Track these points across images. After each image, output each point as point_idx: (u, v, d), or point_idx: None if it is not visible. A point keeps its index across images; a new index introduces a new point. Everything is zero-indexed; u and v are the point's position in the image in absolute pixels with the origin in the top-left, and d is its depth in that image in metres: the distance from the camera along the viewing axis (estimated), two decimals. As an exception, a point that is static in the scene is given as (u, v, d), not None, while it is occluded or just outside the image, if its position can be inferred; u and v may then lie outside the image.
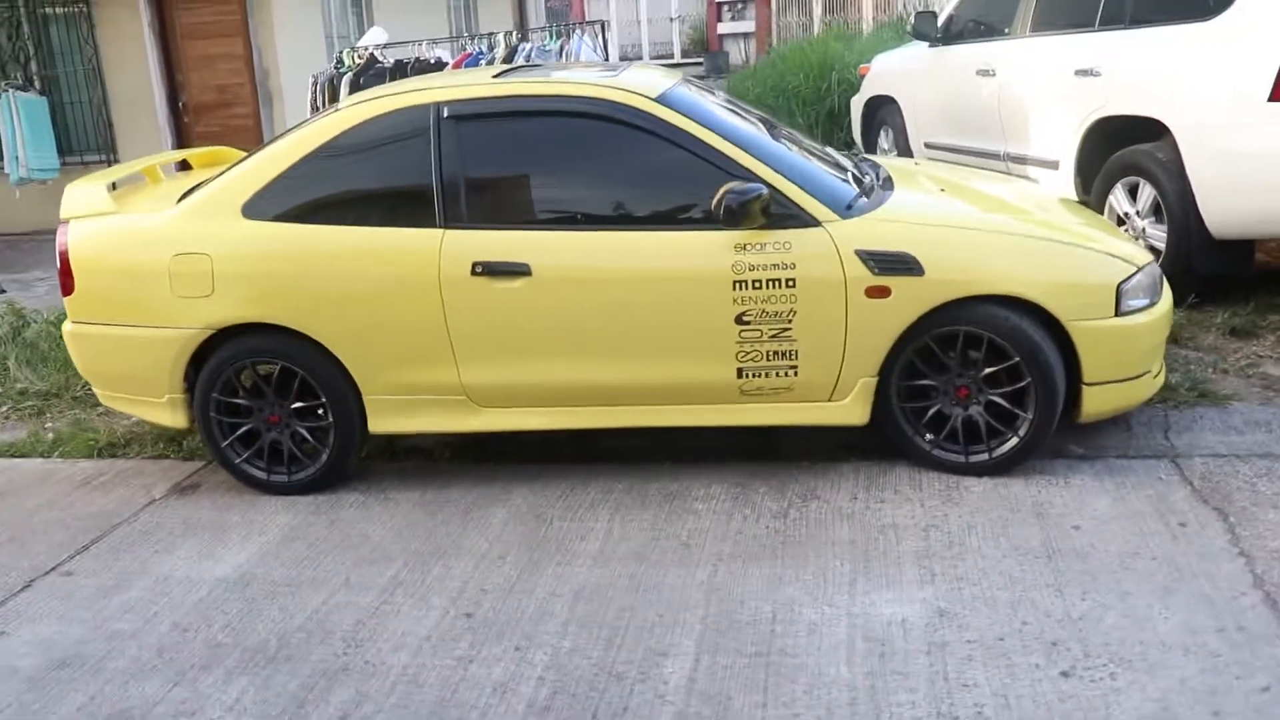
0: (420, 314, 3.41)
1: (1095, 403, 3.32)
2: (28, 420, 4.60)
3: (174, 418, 3.68)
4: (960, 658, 2.47)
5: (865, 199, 3.43)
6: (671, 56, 22.52)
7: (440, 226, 3.40)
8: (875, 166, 3.93)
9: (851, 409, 3.35)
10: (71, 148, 9.01)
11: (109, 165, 8.30)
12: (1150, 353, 3.39)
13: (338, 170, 3.53)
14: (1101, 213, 4.92)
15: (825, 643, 2.57)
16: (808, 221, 3.24)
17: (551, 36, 6.91)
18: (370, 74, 6.55)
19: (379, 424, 3.58)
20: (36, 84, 9.02)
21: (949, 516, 3.14)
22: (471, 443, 3.93)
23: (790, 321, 3.25)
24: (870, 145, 7.54)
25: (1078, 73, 5.03)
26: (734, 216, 3.16)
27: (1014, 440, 3.31)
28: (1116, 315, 3.24)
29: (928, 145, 6.59)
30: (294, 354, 3.52)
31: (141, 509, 3.65)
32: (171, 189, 3.90)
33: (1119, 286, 3.24)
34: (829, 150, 4.09)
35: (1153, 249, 4.68)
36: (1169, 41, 4.55)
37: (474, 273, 3.35)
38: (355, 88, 6.42)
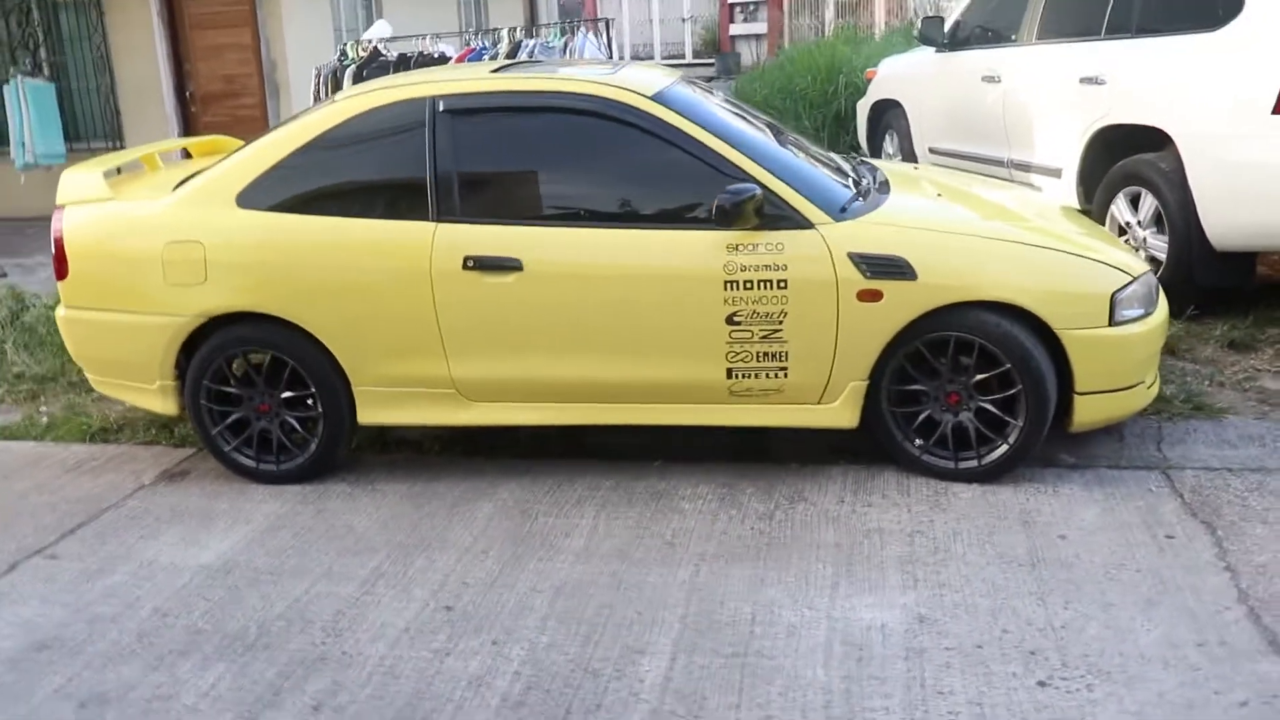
0: (411, 307, 3.41)
1: (1087, 412, 3.30)
2: (23, 404, 4.62)
3: (164, 404, 3.69)
4: (938, 664, 2.46)
5: (860, 202, 3.42)
6: (683, 57, 22.48)
7: (433, 220, 3.40)
8: (873, 170, 3.92)
9: (841, 412, 3.34)
10: (79, 134, 9.04)
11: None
12: (1144, 363, 3.37)
13: (332, 162, 3.54)
14: (1103, 222, 4.90)
15: (803, 645, 2.56)
16: (801, 223, 3.24)
17: (557, 33, 6.91)
18: (373, 67, 6.56)
19: (368, 415, 3.59)
20: (45, 70, 9.06)
21: (935, 522, 3.13)
22: (461, 436, 3.93)
23: (781, 323, 3.24)
24: (875, 149, 7.52)
25: (1082, 81, 5.01)
26: (727, 216, 3.15)
27: (1004, 448, 3.30)
28: (1110, 325, 3.23)
29: (932, 150, 6.58)
30: (284, 344, 3.53)
31: (130, 494, 3.66)
32: (168, 177, 3.91)
33: (1113, 296, 3.22)
34: (827, 153, 4.09)
35: (1153, 259, 4.67)
36: (1174, 51, 4.53)
37: (466, 267, 3.35)
38: (358, 80, 6.42)
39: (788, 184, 3.27)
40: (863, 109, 7.64)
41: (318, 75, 6.97)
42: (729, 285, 3.23)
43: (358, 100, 3.57)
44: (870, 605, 2.71)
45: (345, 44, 7.20)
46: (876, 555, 2.96)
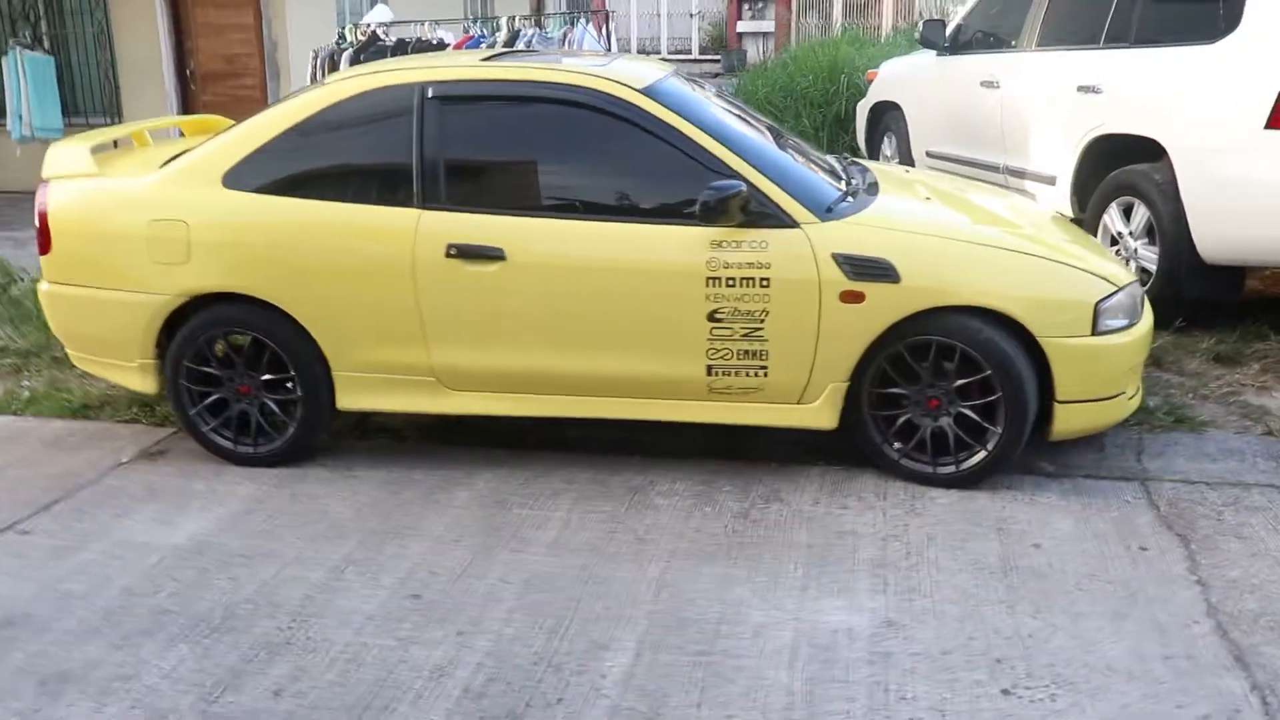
0: (393, 293, 3.39)
1: (1067, 421, 3.29)
2: (5, 377, 4.60)
3: (144, 383, 3.67)
4: (903, 670, 2.45)
5: (847, 203, 3.40)
6: (689, 52, 22.45)
7: (417, 207, 3.38)
8: (863, 171, 3.89)
9: (820, 413, 3.33)
10: (77, 109, 9.00)
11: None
12: (1126, 374, 3.35)
13: (319, 145, 3.51)
14: (1096, 231, 4.89)
15: (769, 646, 2.55)
16: (786, 222, 3.22)
17: (557, 24, 6.87)
18: (371, 51, 6.53)
19: (347, 400, 3.57)
20: (45, 43, 9.01)
21: (910, 527, 3.12)
22: (442, 424, 3.92)
23: (762, 322, 3.22)
24: (874, 151, 7.50)
25: (1080, 89, 4.99)
26: (711, 213, 3.13)
27: (982, 454, 3.28)
28: (1093, 334, 3.21)
29: (929, 154, 6.56)
30: (266, 326, 3.51)
31: (107, 472, 3.64)
32: (156, 154, 3.89)
33: (1097, 305, 3.20)
34: (818, 152, 4.07)
35: (1144, 270, 4.65)
36: (1171, 63, 4.51)
37: (448, 255, 3.33)
38: (356, 64, 6.39)
39: (774, 182, 3.25)
40: (862, 110, 7.62)
41: (315, 58, 6.94)
42: (711, 282, 3.21)
43: (346, 84, 3.55)
44: (839, 608, 2.70)
45: (344, 27, 7.17)
46: (849, 558, 2.95)
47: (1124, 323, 3.29)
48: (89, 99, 9.07)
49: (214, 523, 3.25)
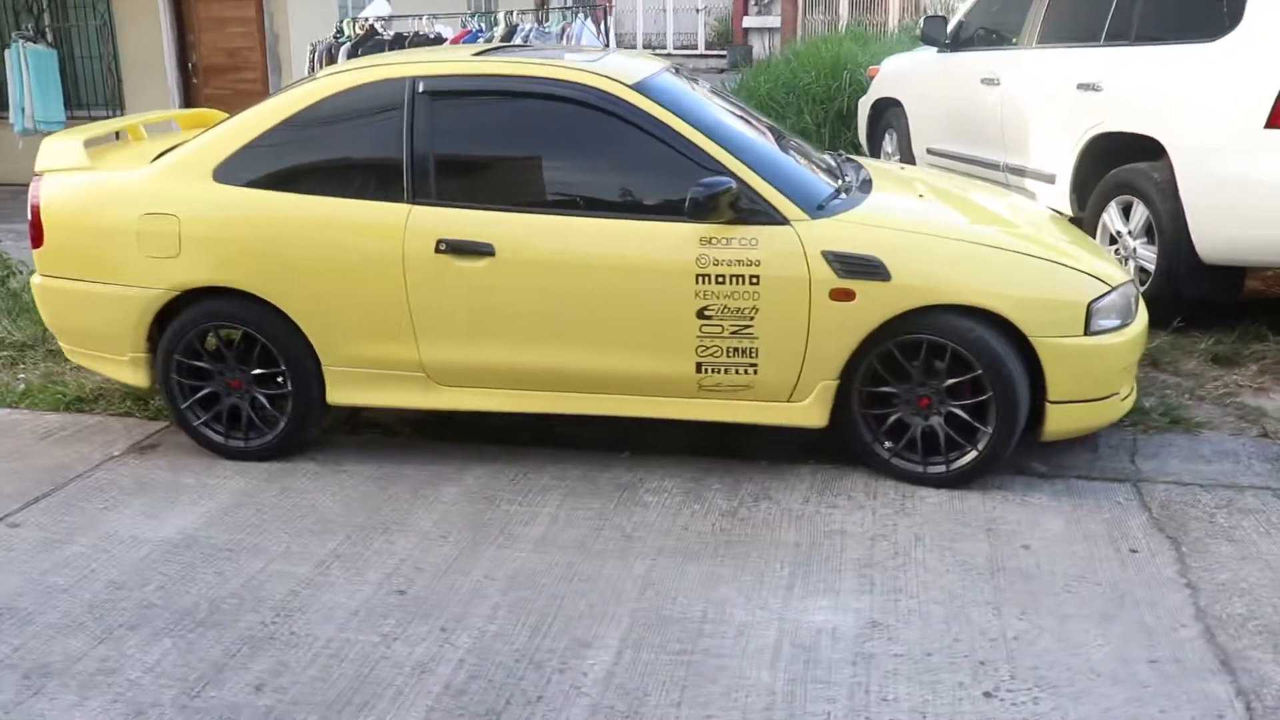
0: (382, 288, 3.38)
1: (1059, 421, 3.27)
2: (1, 370, 4.61)
3: (135, 376, 3.68)
4: (885, 671, 2.44)
5: (839, 200, 3.38)
6: (695, 48, 22.38)
7: (407, 202, 3.37)
8: (857, 168, 3.87)
9: (810, 411, 3.31)
10: (80, 102, 9.02)
11: (115, 121, 8.29)
12: (1119, 374, 3.33)
13: (310, 139, 3.51)
14: (1095, 230, 4.86)
15: (751, 646, 2.54)
16: (776, 219, 3.20)
17: (556, 19, 6.85)
18: (369, 45, 6.52)
19: (337, 395, 3.57)
20: (48, 36, 9.03)
21: (898, 526, 3.10)
22: (432, 420, 3.91)
23: (752, 319, 3.21)
24: (875, 148, 7.47)
25: (1080, 86, 4.95)
26: (700, 209, 3.12)
27: (973, 453, 3.27)
28: (1086, 334, 3.19)
29: (930, 151, 6.53)
30: (256, 320, 3.51)
31: (98, 465, 3.65)
32: (150, 148, 3.89)
33: (1090, 305, 3.18)
34: (812, 149, 4.04)
35: (1142, 270, 4.62)
36: (1172, 61, 4.47)
37: (438, 250, 3.33)
38: (353, 58, 6.39)
39: (765, 179, 3.23)
40: (863, 107, 7.58)
41: (312, 51, 6.94)
42: (701, 279, 3.20)
43: (337, 78, 3.54)
44: (824, 608, 2.69)
45: (342, 21, 7.16)
46: (836, 557, 2.93)
47: (1117, 323, 3.27)
48: (91, 92, 9.09)
49: (202, 517, 3.26)
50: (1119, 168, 4.72)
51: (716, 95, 3.96)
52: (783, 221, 3.20)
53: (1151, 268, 4.55)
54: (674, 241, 3.22)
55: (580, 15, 7.02)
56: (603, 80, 3.35)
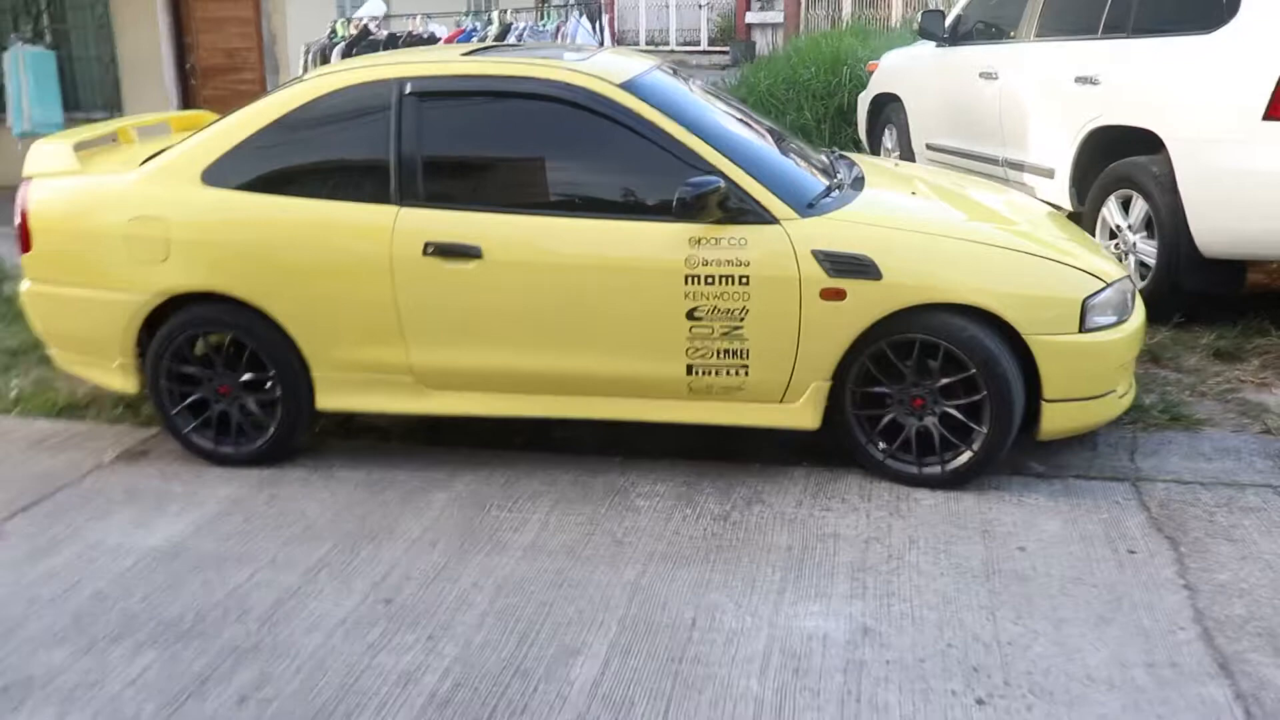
0: (371, 292, 3.35)
1: (1055, 420, 3.22)
2: (-5, 376, 4.59)
3: (124, 383, 3.65)
4: (876, 678, 2.40)
5: (830, 198, 3.33)
6: (699, 44, 22.32)
7: (395, 204, 3.34)
8: (850, 165, 3.82)
9: (803, 413, 3.27)
10: (78, 104, 8.99)
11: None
12: (1116, 372, 3.28)
13: (298, 142, 3.47)
14: (1094, 225, 4.80)
15: (741, 653, 2.50)
16: (765, 218, 3.15)
17: (550, 17, 6.80)
18: (363, 45, 6.48)
19: (326, 400, 3.53)
20: (47, 37, 9.01)
21: (892, 529, 3.06)
22: (425, 424, 3.88)
23: (742, 320, 3.16)
24: (875, 144, 7.41)
25: (1077, 80, 4.89)
26: (688, 209, 3.07)
27: (968, 454, 3.22)
28: (1081, 331, 3.14)
29: (929, 146, 6.47)
30: (244, 325, 3.47)
31: (87, 473, 3.62)
32: (140, 152, 3.85)
33: (1084, 302, 3.13)
34: (805, 147, 3.99)
35: (1143, 264, 4.56)
36: (1169, 53, 4.41)
37: (426, 253, 3.29)
38: (347, 59, 6.34)
39: (754, 177, 3.18)
40: (863, 102, 7.52)
41: (307, 52, 6.90)
42: (690, 280, 3.15)
43: (324, 80, 3.50)
44: (815, 613, 2.65)
45: (336, 21, 7.12)
46: (828, 561, 2.89)
47: (1113, 319, 3.22)
48: (90, 94, 9.07)
49: (190, 525, 3.23)
50: (1117, 161, 4.66)
51: (708, 93, 3.91)
52: (772, 220, 3.15)
53: (1152, 262, 4.49)
54: (662, 242, 3.17)
55: (575, 13, 6.96)
56: (590, 79, 3.30)
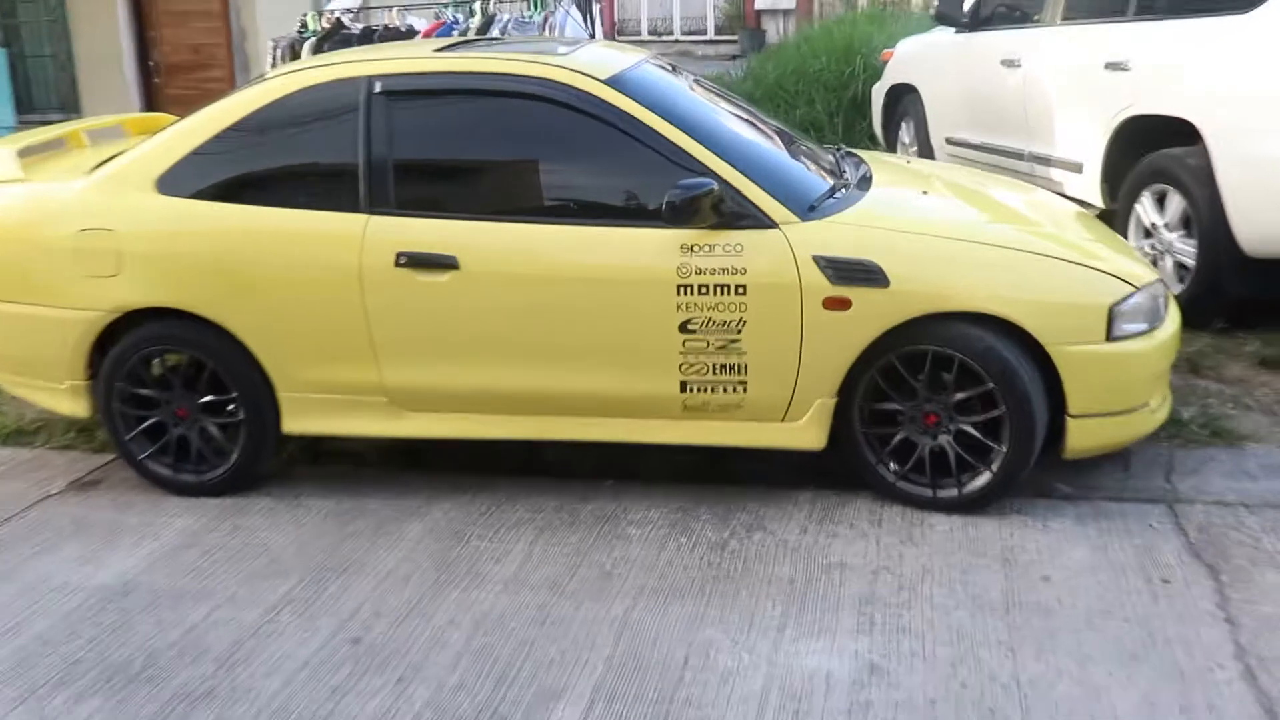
0: (339, 306, 3.36)
1: (1081, 437, 3.21)
2: (-62, 400, 4.61)
3: (74, 406, 3.67)
4: (883, 721, 2.39)
5: (833, 199, 3.34)
6: (704, 33, 22.39)
7: (364, 212, 3.35)
8: (857, 163, 3.83)
9: (806, 432, 3.27)
10: (32, 104, 9.08)
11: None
12: (1147, 384, 3.27)
13: (259, 146, 3.50)
14: (1128, 223, 4.80)
15: (736, 694, 2.49)
16: (763, 222, 3.16)
17: (536, 7, 6.84)
18: (335, 40, 6.54)
19: (294, 424, 3.54)
20: (-2, 35, 9.11)
21: (904, 558, 3.05)
22: (403, 449, 3.89)
23: (739, 332, 3.17)
24: (891, 138, 7.42)
25: (1107, 66, 4.90)
26: (678, 213, 3.08)
27: (986, 475, 3.21)
28: (1108, 340, 3.13)
29: (949, 141, 6.47)
30: (204, 343, 3.49)
31: (33, 505, 3.64)
32: (90, 158, 3.89)
33: (1111, 308, 3.12)
34: (809, 144, 4.00)
35: (1181, 265, 4.56)
36: (1205, 34, 4.41)
37: (398, 264, 3.30)
38: (318, 55, 6.40)
39: (750, 178, 3.19)
40: (877, 94, 7.54)
41: (274, 48, 6.96)
42: (682, 289, 3.16)
43: (287, 79, 3.53)
44: (817, 651, 2.64)
45: (306, 14, 7.18)
46: (833, 594, 2.89)
47: (1144, 326, 3.21)
48: (44, 93, 9.16)
49: (144, 560, 3.24)
50: (1152, 154, 4.66)
51: (705, 88, 3.93)
52: (770, 225, 3.16)
53: (1190, 263, 4.49)
54: (652, 249, 3.18)
55: (564, 3, 7.00)
56: (573, 75, 3.32)
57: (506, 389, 3.37)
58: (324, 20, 6.89)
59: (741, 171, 3.21)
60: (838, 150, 4.05)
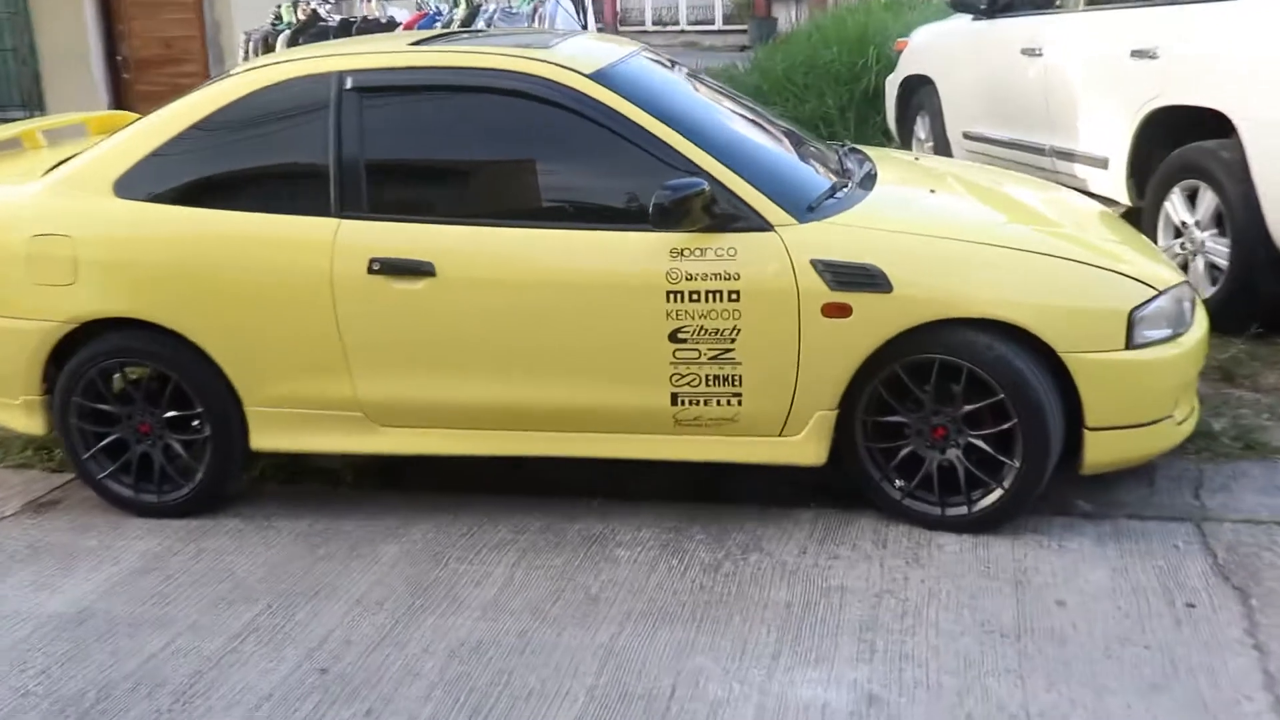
0: (309, 315, 3.40)
1: (1100, 451, 3.22)
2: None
3: (29, 423, 3.71)
4: (882, 755, 2.41)
5: (834, 199, 3.37)
6: (712, 23, 22.52)
7: (335, 216, 3.39)
8: (861, 160, 3.87)
9: (806, 446, 3.29)
10: (-9, 102, 9.17)
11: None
12: (1171, 394, 3.28)
13: (223, 146, 3.54)
14: (1156, 221, 4.82)
15: (726, 727, 2.51)
16: (758, 224, 3.19)
17: (526, -1, 6.92)
18: (311, 33, 6.61)
19: (262, 440, 3.58)
20: (-45, 29, 9.21)
21: (909, 581, 3.07)
22: (381, 466, 3.92)
23: (733, 341, 3.19)
24: (906, 133, 7.45)
25: (1134, 54, 4.92)
26: (667, 216, 3.10)
27: (998, 492, 3.23)
28: (1128, 347, 3.15)
29: (966, 135, 6.50)
30: (167, 355, 3.53)
31: (-14, 527, 3.68)
32: (46, 159, 3.94)
33: (1131, 314, 3.14)
34: (812, 140, 4.04)
35: (1213, 266, 4.58)
36: (1236, 19, 4.44)
37: (371, 270, 3.34)
38: (293, 47, 6.47)
39: (743, 178, 3.22)
40: (891, 86, 7.57)
41: (247, 40, 7.04)
42: (672, 296, 3.19)
43: (253, 75, 3.58)
44: (813, 680, 2.66)
45: (281, 5, 7.25)
46: (832, 619, 2.90)
47: (1167, 332, 3.23)
48: (5, 90, 9.24)
49: (102, 585, 3.27)
50: (1181, 147, 4.68)
51: (703, 83, 3.97)
52: (765, 227, 3.18)
53: (1223, 263, 4.50)
54: (640, 254, 3.21)
55: (555, -7, 7.07)
56: (555, 70, 3.36)
57: (487, 402, 3.40)
58: (300, 11, 6.97)
59: (735, 170, 3.24)
60: (841, 147, 4.09)
